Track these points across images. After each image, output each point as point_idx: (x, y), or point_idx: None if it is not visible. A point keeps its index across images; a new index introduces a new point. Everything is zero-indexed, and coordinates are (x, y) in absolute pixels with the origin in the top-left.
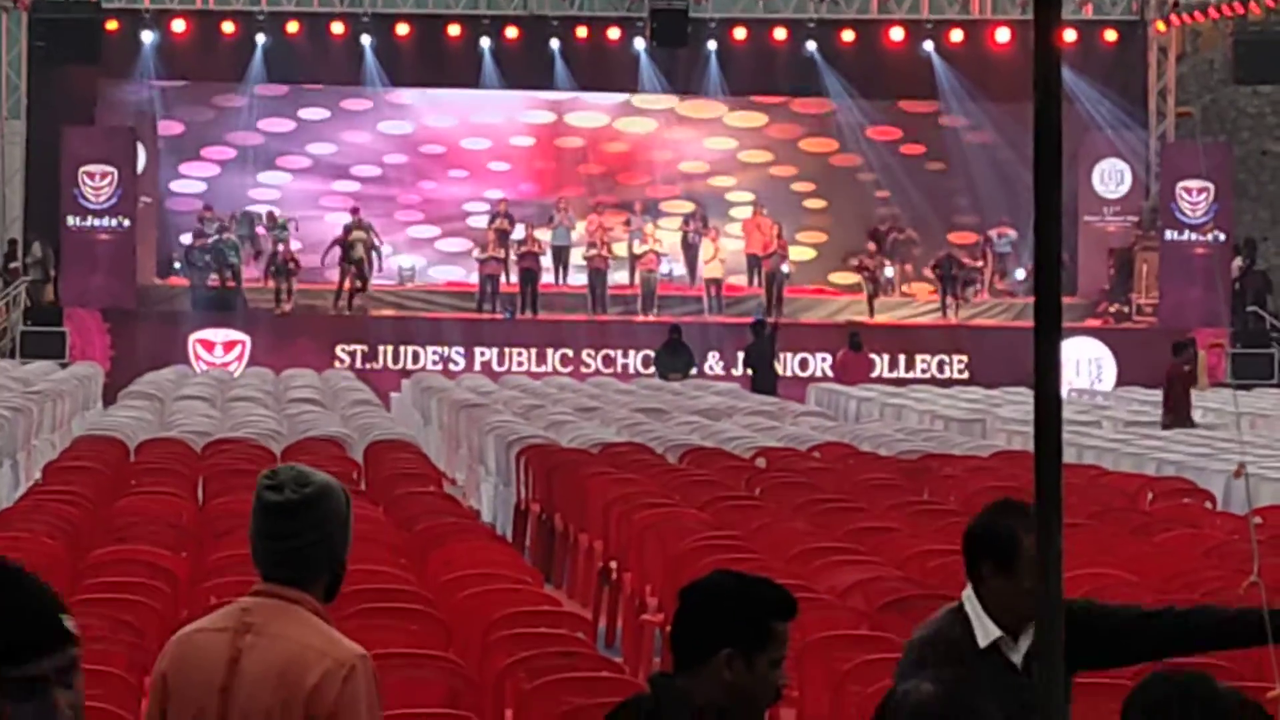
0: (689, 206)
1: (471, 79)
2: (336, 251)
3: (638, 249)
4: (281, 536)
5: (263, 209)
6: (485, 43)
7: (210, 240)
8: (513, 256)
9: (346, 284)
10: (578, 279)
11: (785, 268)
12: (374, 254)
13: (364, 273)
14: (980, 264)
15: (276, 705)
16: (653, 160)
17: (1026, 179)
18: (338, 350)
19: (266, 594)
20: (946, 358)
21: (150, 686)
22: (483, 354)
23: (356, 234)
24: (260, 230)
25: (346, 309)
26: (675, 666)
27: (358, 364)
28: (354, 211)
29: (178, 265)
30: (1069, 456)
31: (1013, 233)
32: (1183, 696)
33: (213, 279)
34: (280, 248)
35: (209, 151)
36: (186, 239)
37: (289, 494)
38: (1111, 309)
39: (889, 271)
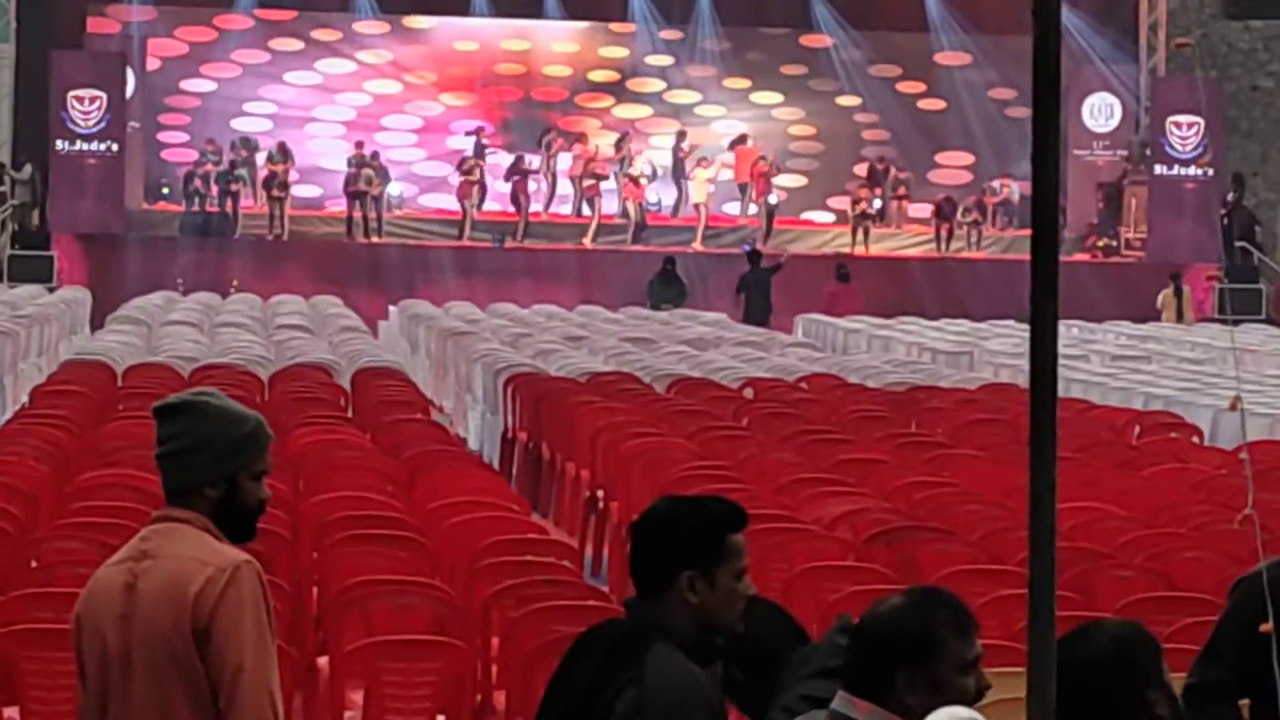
0: (672, 135)
1: (459, 6)
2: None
3: (632, 171)
4: (159, 441)
5: (261, 139)
6: None
7: (218, 170)
8: (494, 183)
9: (357, 213)
10: (565, 209)
11: (773, 198)
12: (382, 187)
13: (374, 207)
14: (976, 217)
15: (169, 623)
16: (639, 89)
17: (1015, 111)
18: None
19: (160, 519)
20: (935, 290)
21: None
22: (472, 282)
23: (364, 171)
24: (260, 163)
25: (363, 235)
26: (639, 596)
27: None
28: (358, 146)
29: (166, 190)
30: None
31: (1015, 185)
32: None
33: (211, 205)
34: (278, 169)
35: (198, 76)
36: (177, 161)
37: (169, 400)
38: (1100, 243)
39: (877, 203)
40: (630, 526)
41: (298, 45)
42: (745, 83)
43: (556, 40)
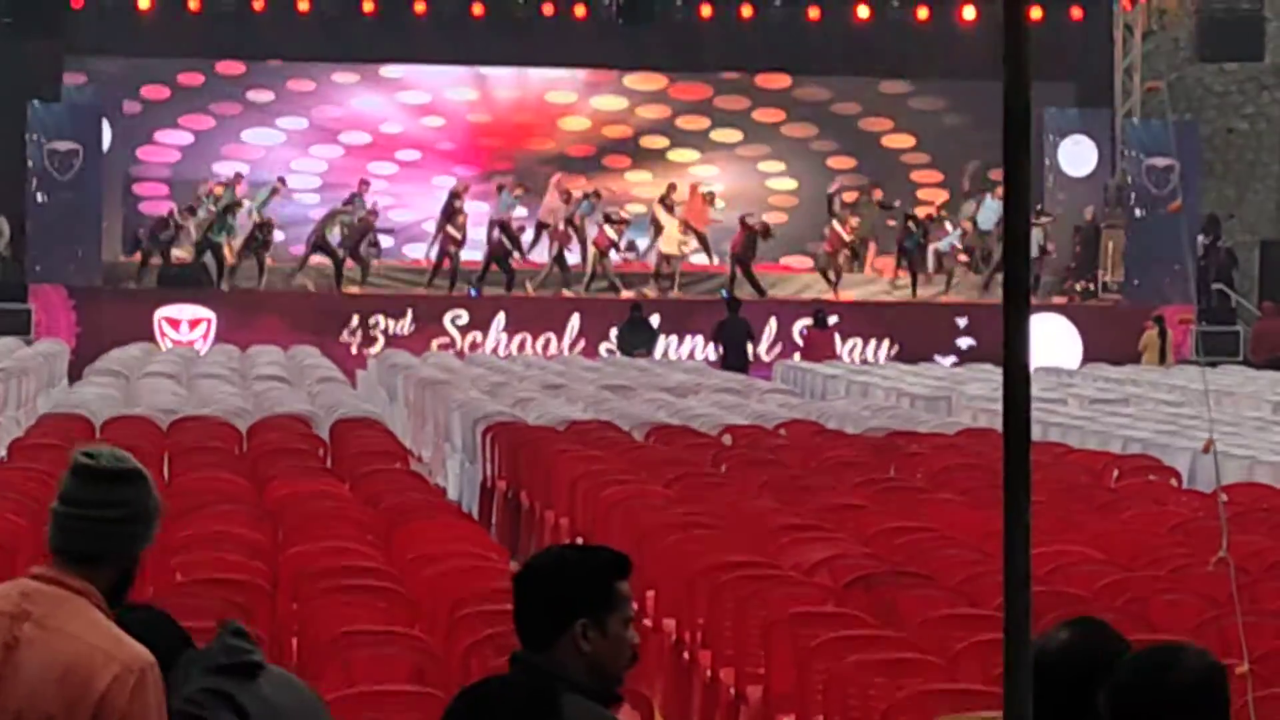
0: (648, 180)
1: (433, 54)
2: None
3: (610, 233)
4: (85, 504)
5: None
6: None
7: (206, 224)
8: (472, 235)
9: (350, 263)
10: (536, 256)
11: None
12: (365, 235)
13: (337, 252)
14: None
15: (60, 708)
16: (611, 135)
17: (989, 157)
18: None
19: (49, 579)
20: (912, 335)
21: None
22: (452, 333)
23: (342, 212)
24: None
25: (337, 284)
26: (526, 649)
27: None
28: (362, 184)
29: (144, 245)
30: (1035, 434)
31: (989, 198)
32: (1144, 668)
33: (188, 255)
34: (256, 219)
35: (174, 128)
36: (155, 207)
37: (105, 462)
38: (1077, 286)
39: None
40: (515, 579)
41: (270, 96)
42: (719, 129)
43: (531, 88)
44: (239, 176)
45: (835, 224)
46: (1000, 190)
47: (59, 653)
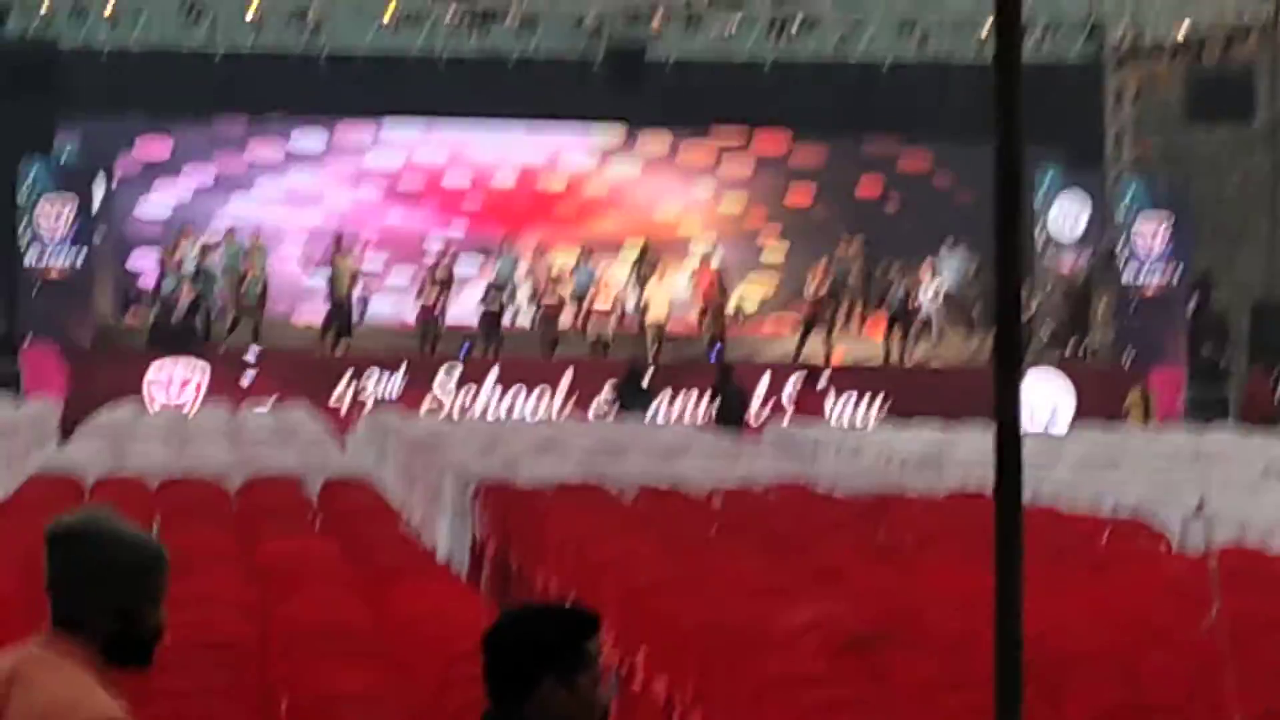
0: (638, 245)
1: (426, 113)
2: (320, 283)
3: (598, 303)
4: (50, 570)
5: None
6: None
7: (191, 272)
8: (474, 302)
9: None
10: (520, 320)
11: (731, 307)
12: (358, 292)
13: (346, 313)
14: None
15: None
16: (600, 201)
17: (981, 218)
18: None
19: (44, 643)
20: (902, 398)
21: None
22: (441, 396)
23: (341, 263)
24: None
25: (331, 350)
26: (495, 708)
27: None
28: (337, 239)
29: (136, 295)
30: (1024, 495)
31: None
32: None
33: (179, 314)
34: (253, 278)
35: (168, 186)
36: (147, 266)
37: (53, 528)
38: (1067, 348)
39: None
40: (485, 637)
41: (264, 156)
42: (709, 188)
43: (511, 146)
44: (231, 232)
45: (810, 282)
46: (946, 241)
47: (34, 706)
